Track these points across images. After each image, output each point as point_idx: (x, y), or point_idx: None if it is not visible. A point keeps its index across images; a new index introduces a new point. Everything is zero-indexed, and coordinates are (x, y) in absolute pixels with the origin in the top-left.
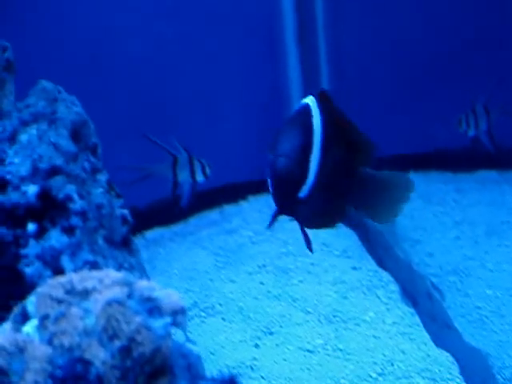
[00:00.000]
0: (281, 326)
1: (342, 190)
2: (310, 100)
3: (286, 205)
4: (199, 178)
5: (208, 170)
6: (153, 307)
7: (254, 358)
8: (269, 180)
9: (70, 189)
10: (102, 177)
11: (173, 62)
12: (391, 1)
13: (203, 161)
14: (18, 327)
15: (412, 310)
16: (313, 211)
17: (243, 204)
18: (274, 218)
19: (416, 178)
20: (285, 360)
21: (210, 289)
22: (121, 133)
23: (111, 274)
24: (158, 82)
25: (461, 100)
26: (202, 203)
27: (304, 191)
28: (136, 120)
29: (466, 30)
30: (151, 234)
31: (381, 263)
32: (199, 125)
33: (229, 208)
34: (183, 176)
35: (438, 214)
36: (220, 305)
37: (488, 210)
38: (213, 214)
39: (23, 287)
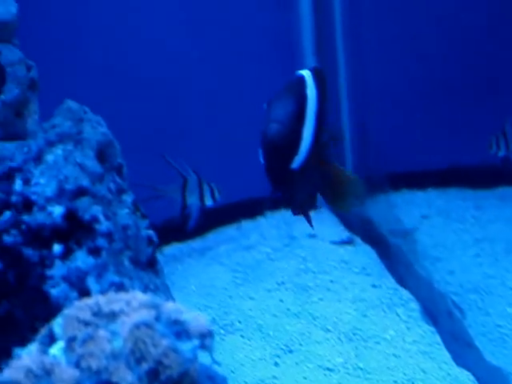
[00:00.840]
0: (300, 344)
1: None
2: (305, 72)
3: (279, 177)
4: (208, 201)
5: (217, 195)
6: (180, 330)
7: (274, 377)
8: (260, 150)
9: (96, 210)
10: (128, 197)
11: (189, 75)
12: (411, 13)
13: (213, 184)
14: (44, 349)
15: (432, 329)
16: (306, 187)
17: (261, 220)
18: (270, 198)
19: (435, 194)
20: (305, 378)
21: (229, 306)
22: (134, 148)
23: (138, 297)
24: (175, 93)
25: (485, 116)
26: (219, 219)
27: (297, 161)
28: (153, 133)
29: (491, 45)
30: (169, 249)
31: (401, 281)
32: (216, 139)
33: (246, 224)
34: (192, 199)
35: (457, 231)
36: (239, 322)
37: (508, 227)
38: (230, 230)
39: (49, 308)
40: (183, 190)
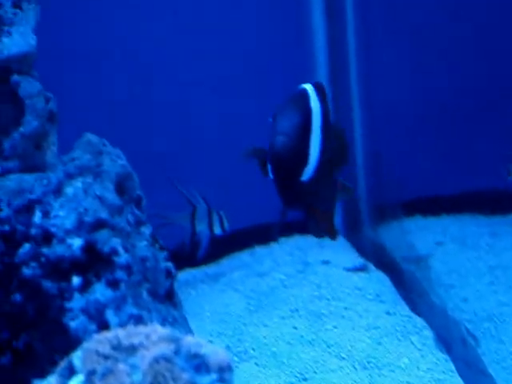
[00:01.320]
0: (315, 372)
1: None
2: (307, 86)
3: (289, 190)
4: (217, 230)
5: (226, 224)
6: (200, 363)
7: None
8: (269, 165)
9: (115, 242)
10: (146, 230)
11: (203, 99)
12: (425, 46)
13: (221, 213)
14: (64, 382)
15: (446, 357)
16: (319, 198)
17: (274, 245)
18: (282, 219)
19: (449, 220)
20: None
21: (243, 333)
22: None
23: (158, 330)
24: (189, 117)
25: (498, 142)
26: (233, 244)
27: (307, 173)
28: (164, 156)
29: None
30: (182, 275)
31: (415, 308)
32: (230, 164)
33: (260, 249)
34: (201, 227)
35: (471, 259)
36: (253, 349)
37: None
38: (244, 256)
39: (68, 341)
40: (192, 217)
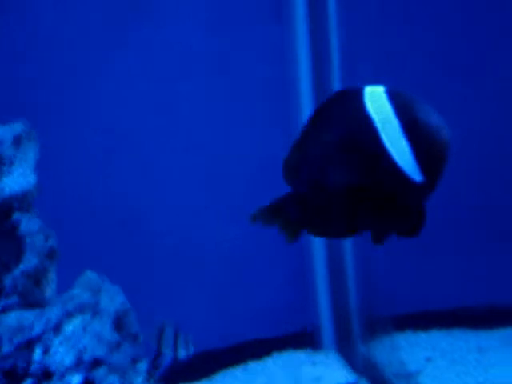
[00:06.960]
0: None
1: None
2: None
3: None
4: (181, 354)
5: (191, 348)
6: None
7: None
8: None
9: (113, 380)
10: (143, 365)
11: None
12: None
13: (189, 337)
14: None
15: None
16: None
17: (268, 360)
18: None
19: (439, 336)
20: None
21: None
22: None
23: None
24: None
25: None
26: (226, 360)
27: None
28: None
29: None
30: None
31: None
32: (222, 280)
33: (253, 364)
34: (167, 349)
35: (460, 374)
36: None
37: (509, 370)
38: (237, 371)
39: None
40: (159, 338)
